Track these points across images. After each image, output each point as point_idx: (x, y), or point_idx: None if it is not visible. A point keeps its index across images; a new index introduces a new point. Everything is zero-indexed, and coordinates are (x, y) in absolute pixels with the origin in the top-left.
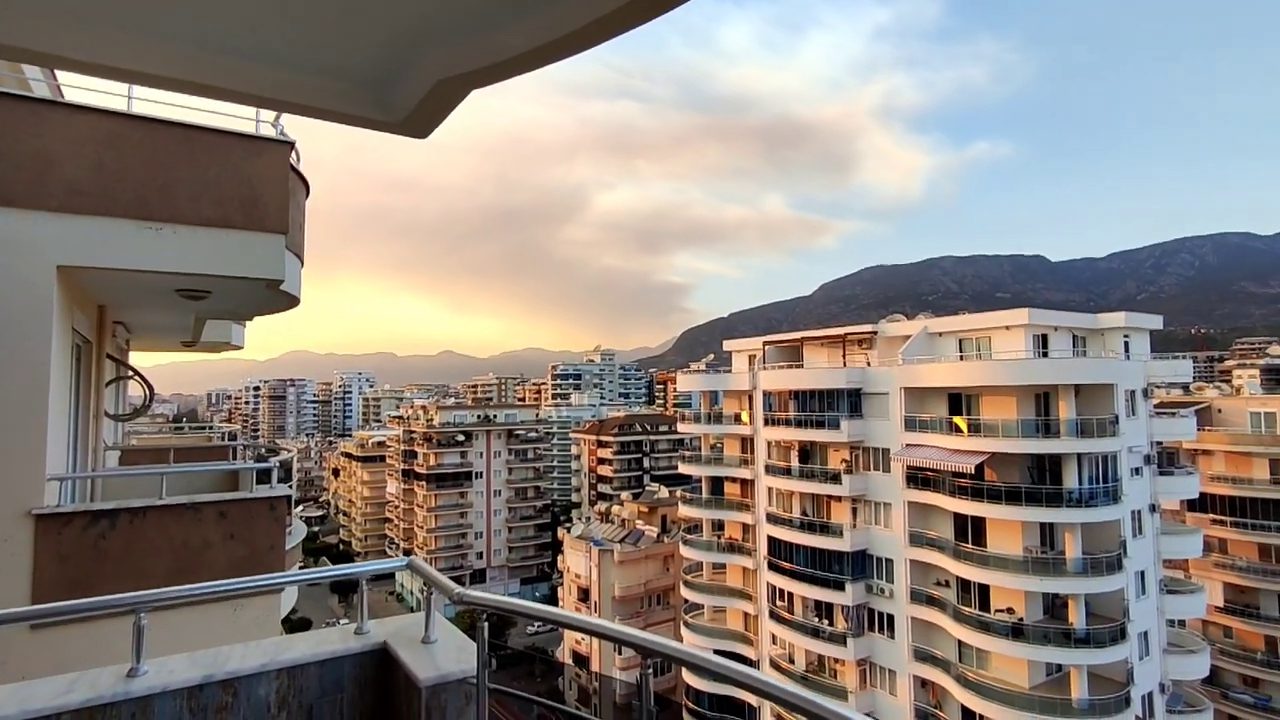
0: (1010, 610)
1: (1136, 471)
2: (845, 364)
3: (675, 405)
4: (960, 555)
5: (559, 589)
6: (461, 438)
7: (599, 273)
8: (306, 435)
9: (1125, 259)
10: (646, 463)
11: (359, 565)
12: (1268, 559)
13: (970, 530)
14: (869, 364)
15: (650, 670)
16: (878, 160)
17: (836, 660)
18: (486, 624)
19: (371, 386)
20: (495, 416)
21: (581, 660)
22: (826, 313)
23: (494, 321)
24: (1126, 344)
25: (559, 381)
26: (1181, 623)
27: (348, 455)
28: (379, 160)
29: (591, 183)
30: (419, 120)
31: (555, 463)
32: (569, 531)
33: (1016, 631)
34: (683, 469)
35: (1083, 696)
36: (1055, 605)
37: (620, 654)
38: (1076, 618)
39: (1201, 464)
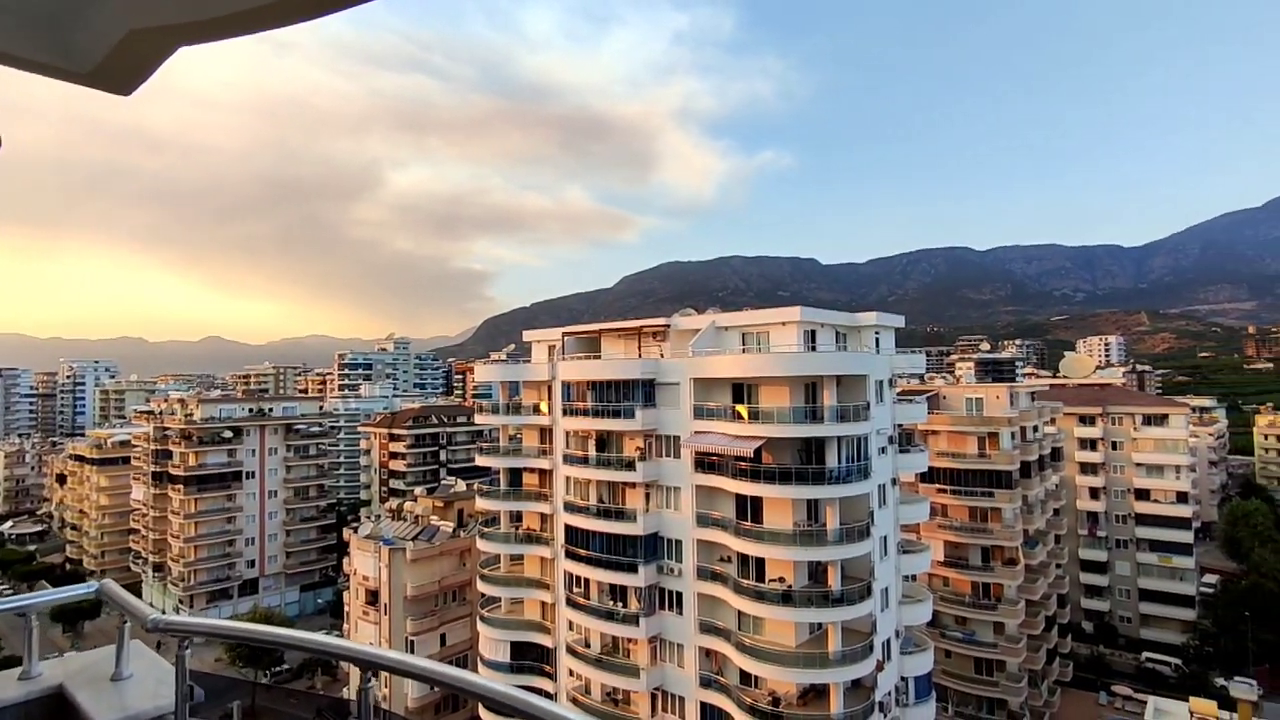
0: (782, 579)
1: (883, 451)
2: (641, 355)
3: (474, 396)
4: (740, 533)
5: (345, 593)
6: (229, 434)
7: (394, 256)
8: (20, 436)
9: (881, 265)
10: (443, 456)
11: (30, 596)
12: (975, 519)
13: (749, 509)
14: (662, 356)
15: (370, 684)
16: (676, 160)
17: (630, 640)
18: (188, 652)
19: (113, 377)
20: (271, 410)
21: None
22: (627, 305)
23: (271, 305)
24: (877, 340)
25: (347, 371)
26: (913, 577)
27: (79, 458)
28: (117, 109)
29: (385, 159)
30: (114, 73)
31: (342, 459)
32: (356, 532)
33: (786, 598)
34: (481, 461)
35: (838, 649)
36: (818, 571)
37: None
38: (834, 581)
39: (930, 442)
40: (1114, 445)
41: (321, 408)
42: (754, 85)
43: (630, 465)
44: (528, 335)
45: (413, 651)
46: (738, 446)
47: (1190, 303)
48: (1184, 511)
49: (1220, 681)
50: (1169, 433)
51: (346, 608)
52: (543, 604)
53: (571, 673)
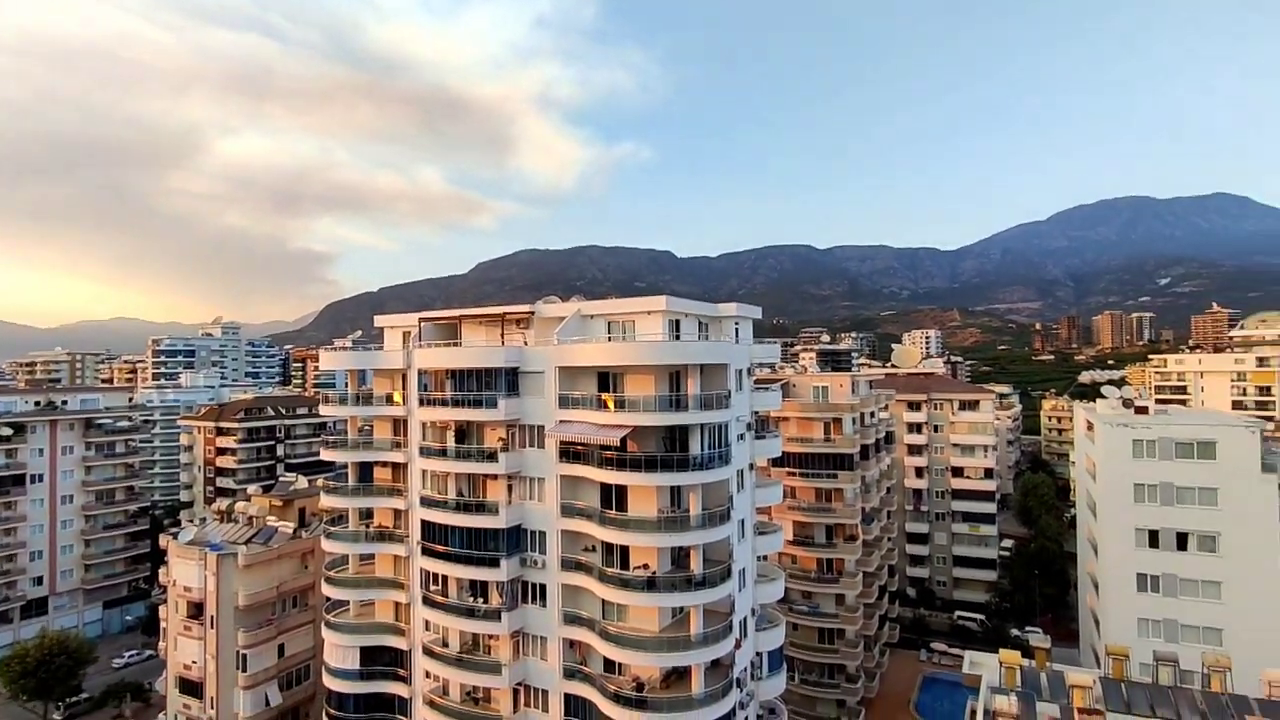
0: (646, 566)
1: (741, 437)
2: (504, 343)
3: (316, 386)
4: (605, 521)
5: (161, 607)
6: (8, 431)
7: (222, 233)
8: None
9: (732, 260)
10: (281, 450)
11: None
12: (820, 500)
13: (615, 498)
14: (526, 343)
15: None
16: (536, 147)
17: (491, 637)
18: None
19: None
20: (65, 403)
21: (193, 687)
22: (482, 292)
23: (66, 282)
24: (737, 330)
25: (164, 359)
26: (765, 557)
27: None
28: None
29: (212, 125)
30: None
31: (158, 456)
32: (176, 538)
33: (650, 584)
34: (326, 455)
35: (699, 631)
36: (680, 556)
37: (244, 670)
38: (696, 565)
39: (782, 428)
40: (936, 428)
41: (131, 399)
42: (615, 76)
43: (492, 456)
44: (380, 320)
45: (244, 667)
46: (604, 435)
47: (992, 302)
48: (990, 486)
49: (1015, 632)
50: (979, 416)
51: (163, 623)
52: (396, 605)
53: (428, 674)
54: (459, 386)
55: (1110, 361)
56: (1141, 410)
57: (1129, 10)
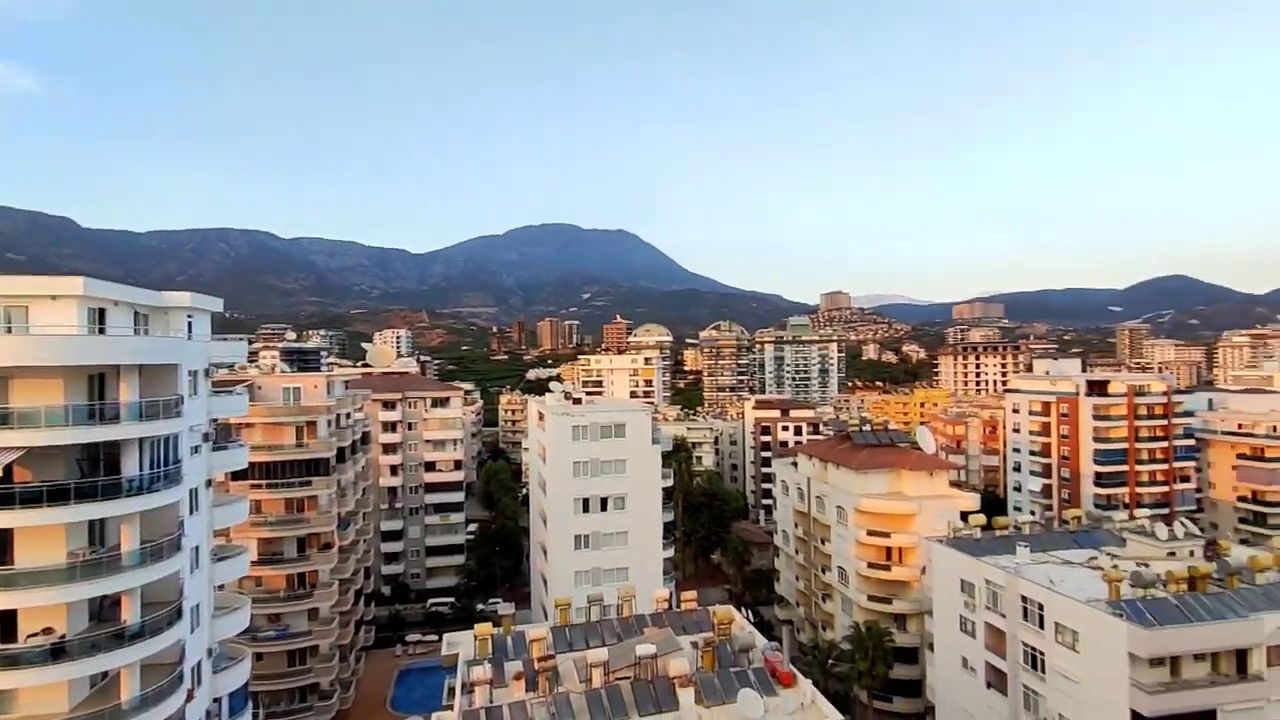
0: (49, 630)
1: (196, 450)
2: None
3: None
4: None
5: None
6: None
7: None
8: None
9: (167, 239)
10: None
11: None
12: (291, 510)
13: None
14: None
15: None
16: None
17: None
18: None
19: None
20: None
21: None
22: None
23: None
24: (190, 324)
25: None
26: (223, 586)
27: None
28: None
29: None
30: None
31: None
32: None
33: (57, 652)
34: None
35: (134, 694)
36: (105, 606)
37: None
38: (131, 613)
39: (245, 435)
40: (410, 426)
41: None
42: None
43: None
44: None
45: None
46: None
47: (457, 305)
48: (459, 476)
49: (480, 606)
50: (450, 413)
51: None
52: None
53: None
54: None
55: (550, 361)
56: (577, 401)
57: (558, 68)
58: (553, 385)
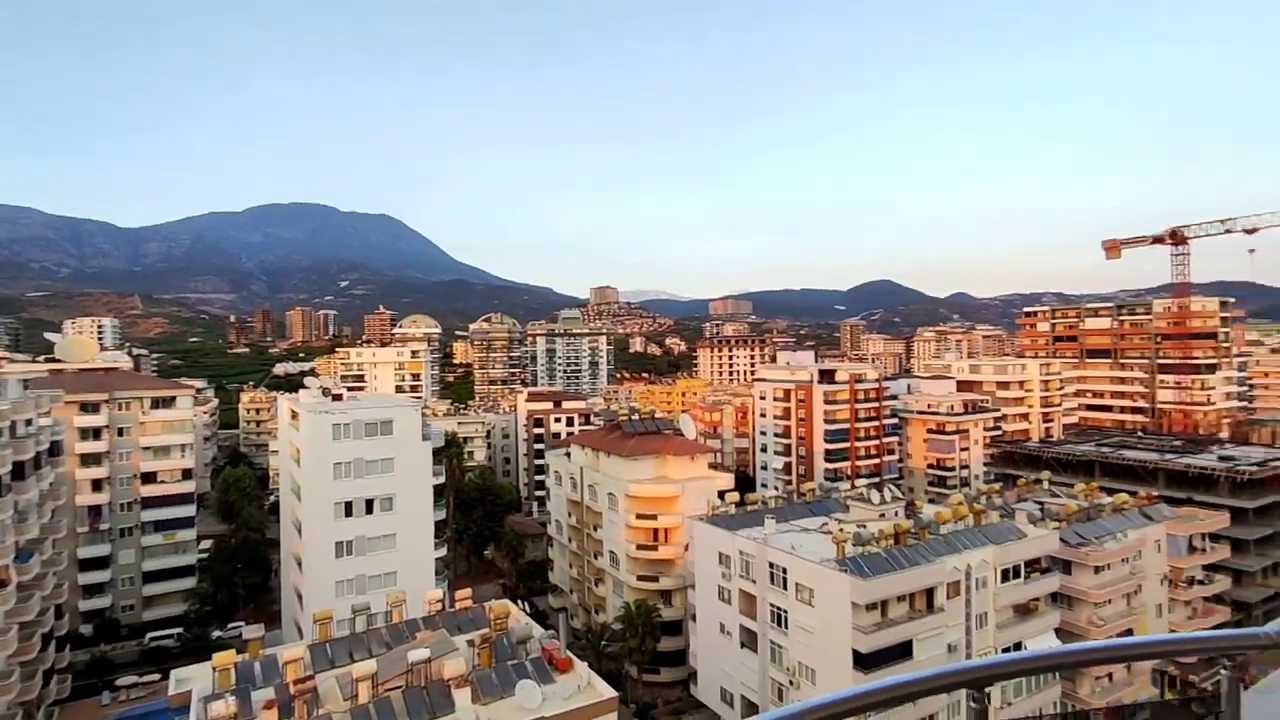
0: None
1: None
2: None
3: None
4: None
5: None
6: None
7: None
8: None
9: None
10: None
11: None
12: None
13: None
14: None
15: None
16: None
17: None
18: None
19: None
20: None
21: None
22: None
23: None
24: None
25: None
26: None
27: None
28: None
29: None
30: None
31: None
32: None
33: None
34: None
35: None
36: None
37: None
38: None
39: None
40: (120, 432)
41: None
42: None
43: None
44: None
45: None
46: None
47: (182, 290)
48: (189, 487)
49: (218, 634)
50: (176, 414)
51: None
52: None
53: None
54: None
55: (302, 354)
56: (337, 398)
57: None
58: (308, 381)
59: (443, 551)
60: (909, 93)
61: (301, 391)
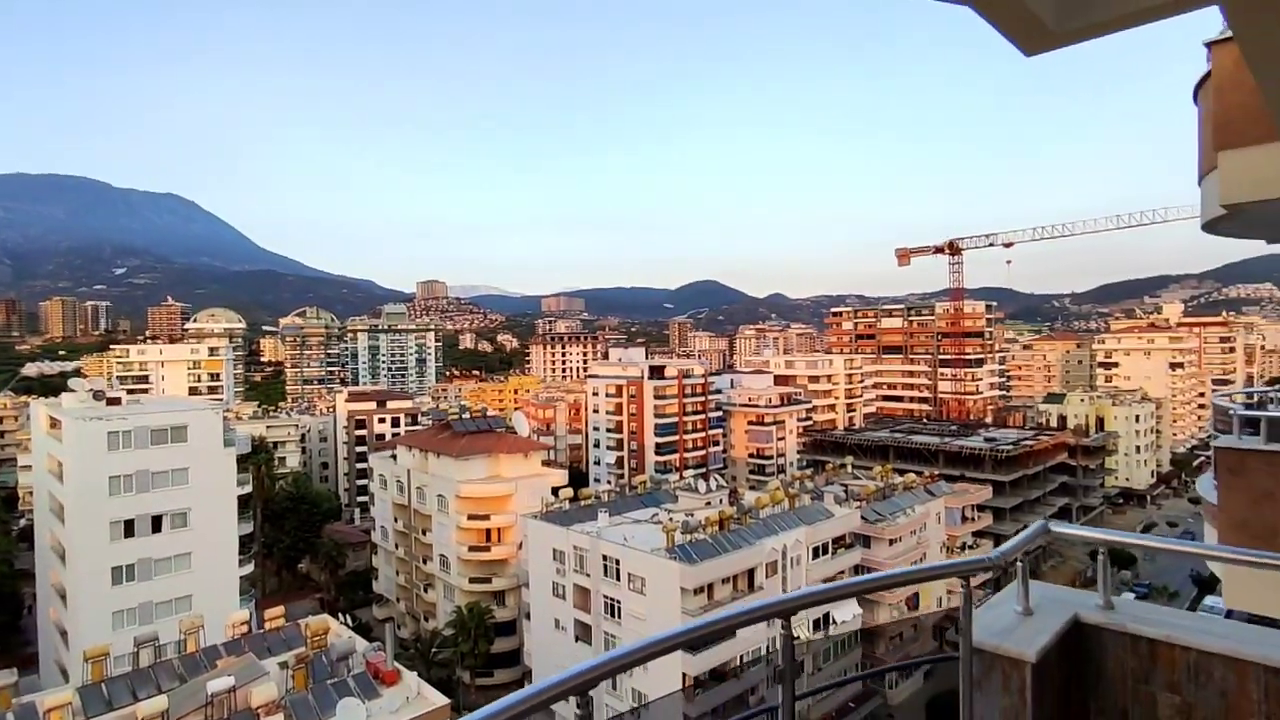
0: None
1: None
2: None
3: None
4: None
5: None
6: None
7: None
8: None
9: None
10: None
11: None
12: None
13: None
14: None
15: None
16: None
17: None
18: None
19: None
20: None
21: None
22: None
23: None
24: None
25: None
26: None
27: None
28: None
29: None
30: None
31: None
32: None
33: None
34: None
35: None
36: None
37: None
38: None
39: None
40: None
41: None
42: None
43: None
44: None
45: None
46: None
47: None
48: None
49: None
50: None
51: None
52: None
53: None
54: None
55: (63, 352)
56: (114, 402)
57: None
58: (72, 383)
59: (249, 568)
60: (722, 103)
61: (65, 395)
